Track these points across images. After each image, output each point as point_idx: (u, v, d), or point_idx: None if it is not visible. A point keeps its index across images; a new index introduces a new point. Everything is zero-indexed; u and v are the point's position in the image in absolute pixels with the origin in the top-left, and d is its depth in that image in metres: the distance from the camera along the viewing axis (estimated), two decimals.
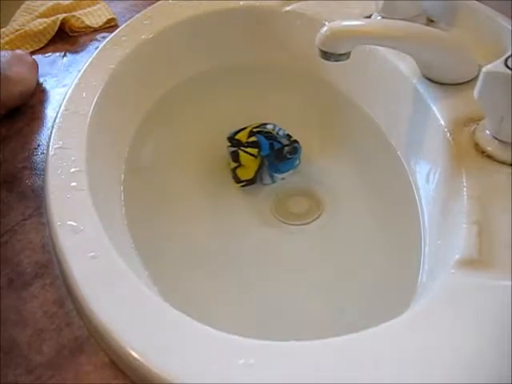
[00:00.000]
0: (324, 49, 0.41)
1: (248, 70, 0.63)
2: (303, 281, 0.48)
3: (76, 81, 0.53)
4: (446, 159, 0.41)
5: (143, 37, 0.58)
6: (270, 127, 0.57)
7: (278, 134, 0.57)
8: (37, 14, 0.70)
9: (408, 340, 0.30)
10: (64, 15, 0.69)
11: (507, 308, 0.31)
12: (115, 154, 0.51)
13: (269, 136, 0.56)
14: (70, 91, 0.51)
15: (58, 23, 0.68)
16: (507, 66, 0.36)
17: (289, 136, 0.57)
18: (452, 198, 0.39)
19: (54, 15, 0.69)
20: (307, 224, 0.54)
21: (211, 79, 0.62)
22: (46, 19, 0.69)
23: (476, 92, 0.38)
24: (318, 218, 0.54)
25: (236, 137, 0.57)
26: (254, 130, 0.57)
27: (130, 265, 0.37)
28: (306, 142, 0.57)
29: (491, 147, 0.40)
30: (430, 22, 0.54)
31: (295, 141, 0.56)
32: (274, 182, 0.57)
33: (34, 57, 0.63)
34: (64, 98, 0.51)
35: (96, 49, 0.57)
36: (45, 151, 0.49)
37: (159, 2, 0.63)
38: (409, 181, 0.47)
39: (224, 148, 0.57)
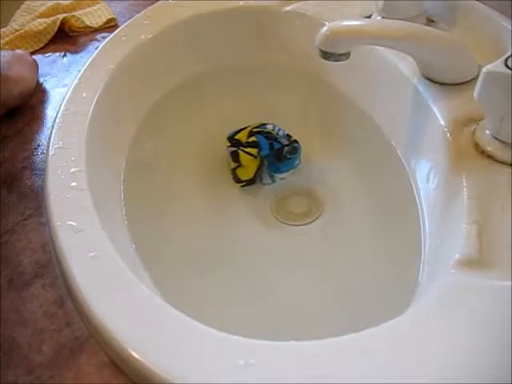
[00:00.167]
0: (324, 49, 0.41)
1: (248, 69, 0.63)
2: (303, 281, 0.48)
3: (76, 81, 0.53)
4: (446, 159, 0.41)
5: (143, 37, 0.58)
6: (269, 127, 0.57)
7: (277, 134, 0.57)
8: (37, 14, 0.70)
9: (408, 340, 0.30)
10: (64, 15, 0.69)
11: (507, 308, 0.31)
12: (115, 153, 0.51)
13: (269, 136, 0.56)
14: (69, 91, 0.51)
15: (58, 23, 0.68)
16: (507, 66, 0.36)
17: (289, 136, 0.57)
18: (452, 198, 0.39)
19: (54, 15, 0.70)
20: (307, 224, 0.54)
21: (211, 79, 0.62)
22: (45, 19, 0.69)
23: (476, 92, 0.38)
24: (317, 217, 0.54)
25: (236, 137, 0.57)
26: (254, 130, 0.57)
27: (130, 265, 0.37)
28: (305, 142, 0.57)
29: (491, 147, 0.40)
30: (430, 21, 0.54)
31: (295, 141, 0.56)
32: (273, 181, 0.57)
33: (34, 57, 0.63)
34: (64, 98, 0.51)
35: (96, 49, 0.57)
36: (45, 151, 0.49)
37: (159, 1, 0.63)
38: (409, 181, 0.47)
39: (224, 148, 0.57)
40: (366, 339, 0.30)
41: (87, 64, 0.55)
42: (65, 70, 0.62)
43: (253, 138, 0.56)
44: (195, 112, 0.61)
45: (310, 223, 0.54)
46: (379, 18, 0.53)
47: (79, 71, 0.54)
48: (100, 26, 0.69)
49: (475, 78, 0.45)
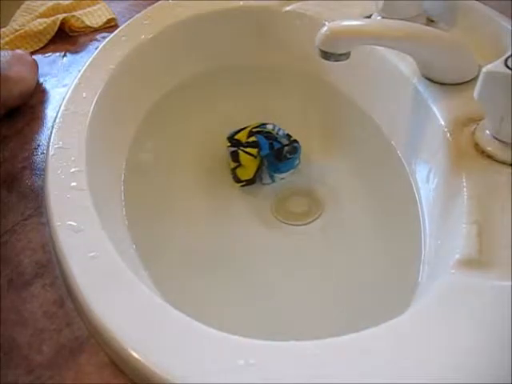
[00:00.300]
0: (324, 49, 0.41)
1: (248, 69, 0.63)
2: (303, 281, 0.48)
3: (76, 81, 0.53)
4: (446, 159, 0.41)
5: (143, 37, 0.58)
6: (269, 127, 0.57)
7: (277, 133, 0.57)
8: (37, 13, 0.70)
9: (408, 340, 0.30)
10: (64, 15, 0.69)
11: (507, 308, 0.31)
12: (115, 153, 0.51)
13: (269, 136, 0.56)
14: (69, 91, 0.51)
15: (58, 23, 0.68)
16: (507, 66, 0.36)
17: (289, 136, 0.57)
18: (452, 198, 0.39)
19: (53, 15, 0.70)
20: (307, 224, 0.54)
21: (211, 79, 0.62)
22: (45, 19, 0.69)
23: (476, 92, 0.38)
24: (317, 217, 0.54)
25: (236, 137, 0.57)
26: (254, 129, 0.57)
27: (130, 265, 0.37)
28: (305, 141, 0.57)
29: (491, 147, 0.40)
30: (430, 21, 0.54)
31: (295, 141, 0.56)
32: (273, 181, 0.57)
33: (34, 57, 0.63)
34: (64, 98, 0.51)
35: (96, 49, 0.57)
36: (45, 151, 0.49)
37: (159, 1, 0.63)
38: (409, 181, 0.47)
39: (224, 148, 0.57)
40: (366, 339, 0.30)
41: (87, 64, 0.55)
42: (65, 70, 0.62)
43: (253, 138, 0.56)
44: (195, 112, 0.61)
45: (309, 223, 0.54)
46: (379, 17, 0.53)
47: (79, 71, 0.54)
48: (100, 26, 0.69)
49: (475, 78, 0.45)
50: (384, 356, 0.29)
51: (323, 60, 0.42)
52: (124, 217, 0.46)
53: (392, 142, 0.51)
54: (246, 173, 0.56)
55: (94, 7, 0.72)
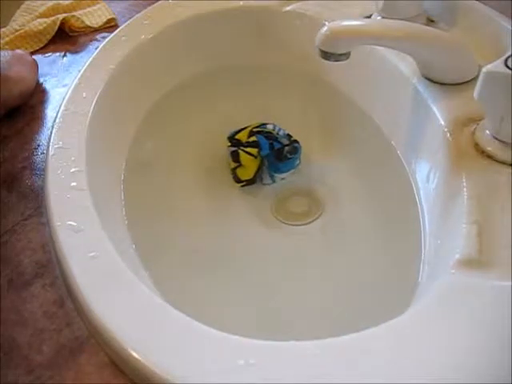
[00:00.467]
0: (324, 49, 0.41)
1: (248, 70, 0.63)
2: (303, 280, 0.48)
3: (76, 81, 0.53)
4: (446, 159, 0.41)
5: (143, 37, 0.58)
6: (270, 127, 0.57)
7: (278, 133, 0.57)
8: (37, 13, 0.70)
9: (408, 340, 0.30)
10: (64, 15, 0.69)
11: (507, 308, 0.31)
12: (115, 153, 0.51)
13: (269, 136, 0.56)
14: (69, 91, 0.51)
15: (58, 23, 0.68)
16: (507, 66, 0.36)
17: (289, 136, 0.57)
18: (452, 198, 0.39)
19: (53, 15, 0.70)
20: (307, 224, 0.54)
21: (211, 79, 0.62)
22: (45, 19, 0.69)
23: (476, 92, 0.38)
24: (318, 217, 0.54)
25: (236, 137, 0.57)
26: (254, 129, 0.57)
27: (130, 265, 0.37)
28: (306, 141, 0.57)
29: (491, 147, 0.40)
30: (430, 21, 0.54)
31: (295, 141, 0.56)
32: (274, 181, 0.57)
33: (34, 57, 0.63)
34: (64, 98, 0.51)
35: (96, 49, 0.57)
36: (45, 151, 0.49)
37: (159, 1, 0.63)
38: (409, 181, 0.47)
39: (224, 148, 0.57)
40: (366, 339, 0.30)
41: (87, 64, 0.55)
42: (65, 70, 0.62)
43: (253, 138, 0.56)
44: (195, 112, 0.61)
45: (310, 223, 0.54)
46: (379, 18, 0.53)
47: (79, 71, 0.54)
48: (100, 26, 0.69)
49: (475, 78, 0.45)
50: (384, 356, 0.29)
51: (323, 60, 0.42)
52: (124, 217, 0.46)
53: (392, 142, 0.51)
54: (247, 173, 0.56)
55: (94, 7, 0.72)
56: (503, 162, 0.39)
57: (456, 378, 0.28)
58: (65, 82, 0.60)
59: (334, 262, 0.50)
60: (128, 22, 0.61)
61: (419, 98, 0.46)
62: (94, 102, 0.50)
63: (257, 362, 0.30)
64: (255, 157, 0.55)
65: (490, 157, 0.40)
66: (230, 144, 0.56)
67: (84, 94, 0.51)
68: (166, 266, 0.46)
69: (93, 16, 0.70)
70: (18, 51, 0.62)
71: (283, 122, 0.58)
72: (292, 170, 0.56)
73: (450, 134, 0.42)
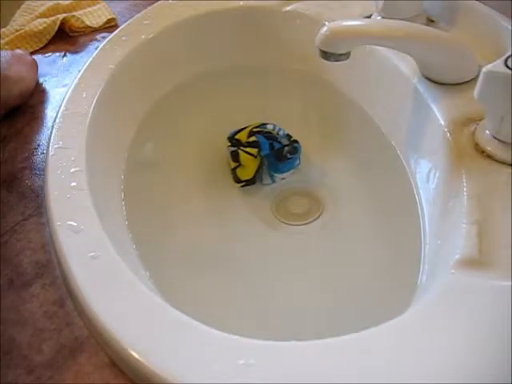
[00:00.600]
0: (324, 49, 0.41)
1: (248, 70, 0.63)
2: (303, 281, 0.48)
3: (76, 81, 0.53)
4: (446, 159, 0.41)
5: (143, 37, 0.58)
6: (270, 127, 0.57)
7: (278, 133, 0.57)
8: (37, 14, 0.70)
9: (408, 340, 0.30)
10: (64, 15, 0.69)
11: (507, 308, 0.31)
12: (115, 153, 0.51)
13: (269, 136, 0.56)
14: (69, 91, 0.51)
15: (58, 23, 0.68)
16: (507, 66, 0.36)
17: (289, 136, 0.57)
18: (452, 198, 0.39)
19: (53, 15, 0.70)
20: (307, 224, 0.54)
21: (211, 79, 0.62)
22: (45, 19, 0.69)
23: (476, 92, 0.38)
24: (318, 217, 0.54)
25: (236, 137, 0.57)
26: (254, 129, 0.57)
27: (130, 265, 0.37)
28: (306, 141, 0.57)
29: (491, 147, 0.40)
30: (430, 21, 0.54)
31: (295, 141, 0.56)
32: (273, 181, 0.57)
33: (34, 57, 0.63)
34: (64, 98, 0.51)
35: (96, 49, 0.57)
36: (45, 151, 0.49)
37: (159, 1, 0.63)
38: (409, 181, 0.47)
39: (224, 148, 0.57)
40: (366, 339, 0.30)
41: (87, 64, 0.55)
42: (65, 70, 0.62)
43: (253, 138, 0.56)
44: (195, 112, 0.61)
45: (309, 223, 0.54)
46: (379, 18, 0.53)
47: (79, 71, 0.54)
48: (100, 26, 0.69)
49: (475, 78, 0.45)
50: (384, 356, 0.29)
51: (323, 60, 0.42)
52: (124, 217, 0.46)
53: (392, 142, 0.51)
54: (246, 173, 0.56)
55: (94, 7, 0.72)
56: (503, 162, 0.39)
57: (456, 378, 0.28)
58: (65, 82, 0.60)
59: (334, 262, 0.50)
60: (128, 22, 0.61)
61: (419, 98, 0.46)
62: (94, 101, 0.50)
63: (257, 362, 0.30)
64: (255, 157, 0.55)
65: (489, 157, 0.40)
66: (229, 144, 0.56)
67: (84, 94, 0.51)
68: (166, 266, 0.46)
69: (93, 16, 0.70)
70: (18, 51, 0.62)
71: (283, 122, 0.58)
72: (292, 170, 0.56)
73: (450, 134, 0.42)
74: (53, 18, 0.68)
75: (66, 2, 0.72)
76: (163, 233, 0.50)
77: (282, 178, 0.57)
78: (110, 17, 0.70)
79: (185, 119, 0.60)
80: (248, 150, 0.55)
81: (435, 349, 0.30)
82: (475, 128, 0.41)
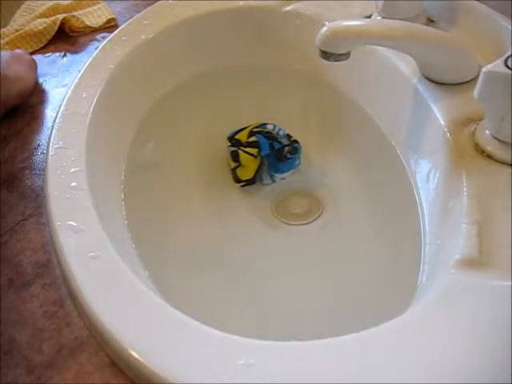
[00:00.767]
0: (324, 49, 0.41)
1: (248, 70, 0.63)
2: (303, 281, 0.48)
3: (76, 81, 0.53)
4: (446, 159, 0.41)
5: (143, 37, 0.58)
6: (270, 127, 0.57)
7: (278, 134, 0.57)
8: (37, 14, 0.70)
9: (408, 340, 0.30)
10: (64, 15, 0.69)
11: (507, 308, 0.31)
12: (115, 153, 0.51)
13: (269, 136, 0.56)
14: (69, 91, 0.51)
15: (58, 23, 0.68)
16: (507, 66, 0.36)
17: (289, 136, 0.57)
18: (452, 198, 0.39)
19: (53, 15, 0.70)
20: (307, 224, 0.54)
21: (211, 79, 0.62)
22: (45, 19, 0.69)
23: (476, 92, 0.38)
24: (318, 217, 0.54)
25: (236, 137, 0.57)
26: (254, 129, 0.57)
27: (130, 265, 0.37)
28: (306, 141, 0.57)
29: (491, 147, 0.40)
30: (430, 21, 0.54)
31: (295, 141, 0.56)
32: (274, 181, 0.57)
33: (33, 57, 0.63)
34: (64, 98, 0.51)
35: (96, 49, 0.57)
36: (45, 151, 0.49)
37: (159, 1, 0.63)
38: (409, 181, 0.47)
39: (224, 148, 0.57)
40: (366, 339, 0.30)
41: (87, 64, 0.55)
42: (65, 70, 0.62)
43: (253, 138, 0.56)
44: (195, 112, 0.61)
45: (310, 223, 0.54)
46: (379, 18, 0.53)
47: (79, 71, 0.54)
48: (100, 26, 0.69)
49: (475, 78, 0.45)
50: (384, 356, 0.29)
51: (323, 60, 0.42)
52: (124, 217, 0.46)
53: (392, 142, 0.51)
54: (247, 173, 0.56)
55: (94, 7, 0.72)
56: (503, 162, 0.39)
57: (456, 378, 0.28)
58: (65, 82, 0.60)
59: (334, 262, 0.50)
60: (128, 22, 0.61)
61: (419, 98, 0.46)
62: (94, 101, 0.50)
63: (257, 362, 0.30)
64: (255, 157, 0.55)
65: (489, 157, 0.40)
66: (229, 144, 0.56)
67: (84, 94, 0.51)
68: (166, 265, 0.46)
69: (93, 16, 0.70)
70: (17, 51, 0.62)
71: (283, 122, 0.58)
72: (292, 170, 0.56)
73: (450, 134, 0.42)
74: (53, 18, 0.68)
75: (66, 2, 0.72)
76: (163, 233, 0.50)
77: (282, 178, 0.57)
78: (109, 17, 0.70)
79: (185, 119, 0.60)
80: (248, 150, 0.55)
81: (435, 349, 0.30)
82: (475, 128, 0.41)
